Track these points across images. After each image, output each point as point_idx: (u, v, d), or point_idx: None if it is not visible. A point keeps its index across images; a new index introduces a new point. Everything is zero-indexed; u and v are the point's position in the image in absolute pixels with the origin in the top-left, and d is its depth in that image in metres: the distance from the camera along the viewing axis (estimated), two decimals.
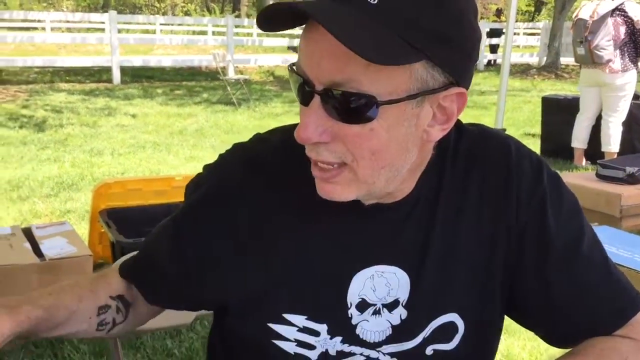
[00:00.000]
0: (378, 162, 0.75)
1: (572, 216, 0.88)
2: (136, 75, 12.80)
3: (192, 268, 0.89)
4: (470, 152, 0.88)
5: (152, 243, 0.96)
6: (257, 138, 0.95)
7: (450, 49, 0.72)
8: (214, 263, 0.88)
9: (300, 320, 0.86)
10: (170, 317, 1.42)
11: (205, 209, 0.90)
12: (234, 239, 0.87)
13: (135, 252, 1.01)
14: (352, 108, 0.71)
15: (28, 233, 2.95)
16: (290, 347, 0.87)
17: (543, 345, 2.52)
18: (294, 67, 0.76)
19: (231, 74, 11.83)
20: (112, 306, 0.92)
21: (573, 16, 5.89)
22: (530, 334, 0.93)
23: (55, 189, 4.98)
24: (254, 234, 0.87)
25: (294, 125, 0.87)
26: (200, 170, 0.98)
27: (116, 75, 11.87)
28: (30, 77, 12.27)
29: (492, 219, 0.86)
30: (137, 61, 12.74)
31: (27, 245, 2.77)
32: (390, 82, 0.70)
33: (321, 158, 0.76)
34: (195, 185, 0.95)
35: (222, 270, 0.88)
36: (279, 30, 0.74)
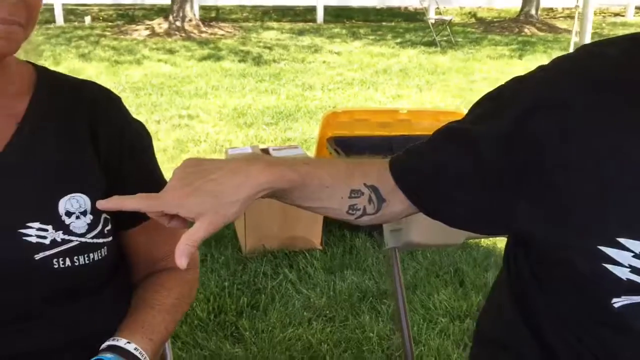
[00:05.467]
0: None
1: None
2: (338, 15, 13.04)
3: (512, 186, 0.84)
4: None
5: (445, 156, 0.88)
6: (585, 51, 0.87)
7: None
8: (544, 182, 0.82)
9: (637, 245, 0.79)
10: (441, 235, 1.44)
11: (533, 122, 0.82)
12: (564, 154, 0.81)
13: (405, 158, 0.92)
14: None
15: (267, 153, 3.18)
16: (622, 273, 0.80)
17: None
18: None
19: (432, 15, 11.51)
20: (365, 194, 0.88)
21: None
22: None
23: (275, 118, 5.31)
24: (585, 151, 0.80)
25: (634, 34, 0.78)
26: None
27: (320, 15, 12.19)
28: (243, 15, 13.08)
29: None
30: (339, 1, 12.95)
31: None
32: None
33: None
34: (509, 95, 0.87)
35: (550, 189, 0.82)
36: None
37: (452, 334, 2.29)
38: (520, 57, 8.96)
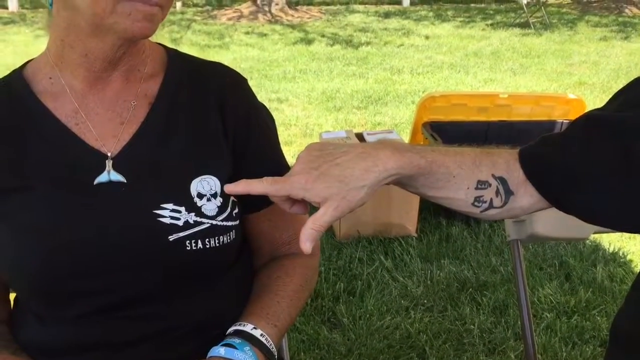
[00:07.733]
0: None
1: None
2: None
3: None
4: None
5: (585, 146, 0.80)
6: None
7: None
8: None
9: None
10: (567, 228, 1.34)
11: None
12: None
13: (537, 148, 0.85)
14: None
15: (360, 137, 3.13)
16: None
17: None
18: None
19: None
20: (493, 185, 0.83)
21: None
22: None
23: (364, 102, 5.25)
24: None
25: None
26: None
27: None
28: None
29: None
30: None
31: None
32: None
33: None
34: None
35: None
36: None
37: (559, 331, 2.18)
38: (622, 39, 8.42)
